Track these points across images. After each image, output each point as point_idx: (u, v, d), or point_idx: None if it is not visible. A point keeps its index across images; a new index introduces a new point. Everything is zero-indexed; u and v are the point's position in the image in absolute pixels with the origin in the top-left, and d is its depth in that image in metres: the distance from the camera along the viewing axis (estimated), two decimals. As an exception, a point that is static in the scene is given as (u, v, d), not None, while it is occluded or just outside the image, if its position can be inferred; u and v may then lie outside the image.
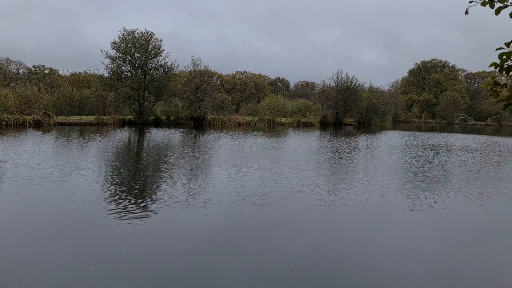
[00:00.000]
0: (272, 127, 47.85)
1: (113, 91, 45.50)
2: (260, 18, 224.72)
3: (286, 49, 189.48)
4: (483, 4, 3.02)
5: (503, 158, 22.03)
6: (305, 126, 53.53)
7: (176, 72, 47.21)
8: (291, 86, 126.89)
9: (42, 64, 79.62)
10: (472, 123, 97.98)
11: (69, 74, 68.18)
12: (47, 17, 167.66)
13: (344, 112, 61.32)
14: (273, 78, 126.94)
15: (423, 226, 8.46)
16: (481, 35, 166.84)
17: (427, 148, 26.25)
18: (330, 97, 61.81)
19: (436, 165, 17.75)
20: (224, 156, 18.26)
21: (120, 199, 9.74)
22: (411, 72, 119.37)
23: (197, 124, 45.60)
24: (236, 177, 13.02)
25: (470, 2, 3.07)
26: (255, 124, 51.21)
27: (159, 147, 22.06)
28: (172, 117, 47.82)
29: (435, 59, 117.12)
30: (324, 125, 56.90)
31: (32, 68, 78.86)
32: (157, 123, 44.86)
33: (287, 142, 27.38)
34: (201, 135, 31.20)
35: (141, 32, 43.57)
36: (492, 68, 3.03)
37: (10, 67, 77.05)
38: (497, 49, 2.97)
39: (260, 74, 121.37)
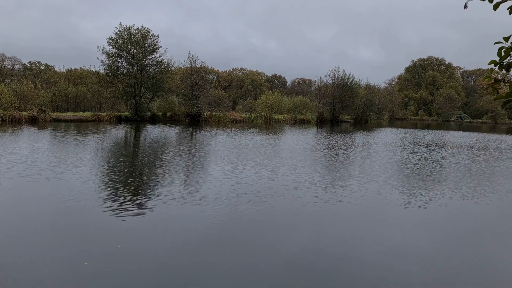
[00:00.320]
0: (268, 124, 47.81)
1: (110, 87, 45.31)
2: (257, 15, 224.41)
3: (283, 46, 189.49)
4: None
5: (499, 155, 22.09)
6: (301, 123, 53.52)
7: (173, 68, 47.07)
8: (287, 83, 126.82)
9: (38, 60, 79.11)
10: (468, 120, 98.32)
11: (65, 70, 67.98)
12: (43, 13, 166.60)
13: (341, 109, 61.40)
14: (270, 75, 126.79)
15: (419, 223, 8.46)
16: (478, 33, 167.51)
17: (423, 145, 26.30)
18: (327, 94, 61.83)
19: (432, 162, 17.77)
20: (221, 153, 18.21)
21: (115, 195, 9.69)
22: (407, 70, 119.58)
23: (193, 121, 45.50)
24: (232, 174, 12.98)
25: (469, -5, 3.02)
26: (252, 121, 51.15)
27: (155, 144, 21.97)
28: (168, 114, 47.70)
29: (432, 57, 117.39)
30: (320, 122, 56.91)
31: (28, 64, 78.30)
32: (154, 120, 44.74)
33: (284, 139, 27.36)
34: (197, 132, 31.12)
35: (137, 29, 43.38)
36: (489, 66, 2.98)
37: (5, 63, 76.56)
38: (495, 43, 2.92)
39: (257, 71, 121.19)
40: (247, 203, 9.40)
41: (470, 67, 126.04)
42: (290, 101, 64.63)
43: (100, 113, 41.13)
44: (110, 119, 40.46)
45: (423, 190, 11.59)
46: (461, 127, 65.31)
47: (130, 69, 43.73)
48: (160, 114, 47.40)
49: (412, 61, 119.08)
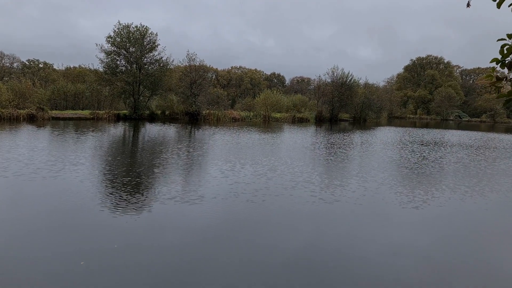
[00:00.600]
0: (267, 123, 47.75)
1: (108, 85, 45.11)
2: (255, 13, 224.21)
3: (282, 45, 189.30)
4: (484, -5, 2.92)
5: (498, 154, 22.08)
6: (300, 121, 53.47)
7: (171, 66, 46.91)
8: (286, 82, 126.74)
9: (36, 58, 78.86)
10: (467, 119, 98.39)
11: (63, 68, 67.74)
12: (41, 11, 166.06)
13: (340, 108, 61.31)
14: (269, 74, 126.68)
15: (418, 222, 8.42)
16: (477, 32, 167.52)
17: (422, 144, 26.28)
18: (326, 92, 61.78)
19: (431, 162, 17.74)
20: (219, 152, 18.15)
21: (113, 194, 9.62)
22: (406, 68, 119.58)
23: (192, 119, 45.40)
24: (230, 173, 12.92)
25: (472, -6, 2.97)
26: (251, 119, 51.07)
27: (153, 142, 21.90)
28: (167, 112, 47.58)
29: (431, 55, 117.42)
30: (319, 121, 56.87)
31: (27, 62, 78.09)
32: (152, 118, 44.64)
33: (282, 138, 27.30)
34: (196, 130, 31.05)
35: (136, 27, 43.18)
36: (491, 64, 2.92)
37: (3, 61, 76.35)
38: (498, 40, 2.86)
39: (255, 69, 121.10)
40: (245, 202, 9.35)
41: (469, 66, 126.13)
42: (289, 99, 64.49)
43: (99, 111, 40.97)
44: (108, 117, 40.33)
45: (421, 189, 11.55)
46: (460, 126, 65.34)
47: (129, 67, 43.56)
48: (159, 112, 47.27)
49: (411, 59, 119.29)
